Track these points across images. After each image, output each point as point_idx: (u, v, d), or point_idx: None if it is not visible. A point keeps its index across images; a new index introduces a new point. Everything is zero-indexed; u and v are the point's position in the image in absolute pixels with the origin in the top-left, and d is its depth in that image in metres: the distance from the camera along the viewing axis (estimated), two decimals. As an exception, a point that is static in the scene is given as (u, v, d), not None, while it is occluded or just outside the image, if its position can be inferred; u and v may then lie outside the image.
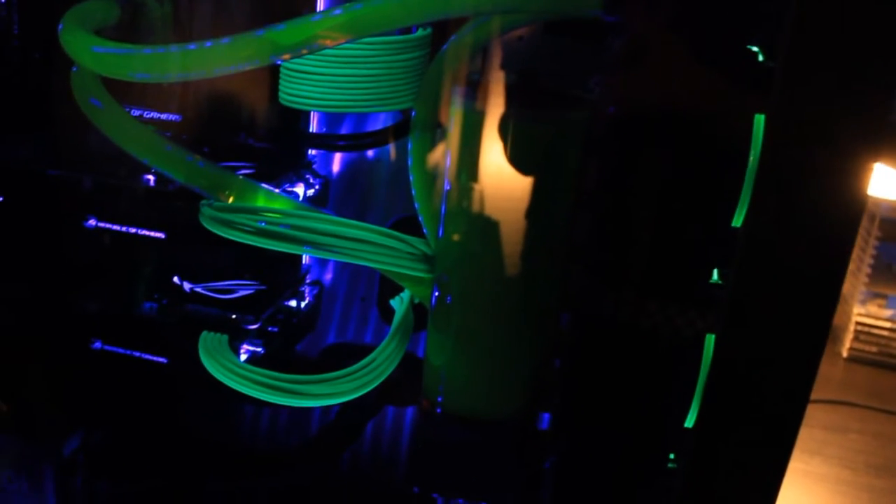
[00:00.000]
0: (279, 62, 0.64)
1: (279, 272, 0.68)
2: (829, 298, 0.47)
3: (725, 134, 0.50)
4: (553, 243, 0.58)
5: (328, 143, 0.71)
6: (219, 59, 0.57)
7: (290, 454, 0.75)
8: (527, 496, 0.62)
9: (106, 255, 0.65)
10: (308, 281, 0.72)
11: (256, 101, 0.69)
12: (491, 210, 0.57)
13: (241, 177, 0.59)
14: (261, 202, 0.58)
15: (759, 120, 0.47)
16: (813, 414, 1.11)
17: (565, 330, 0.59)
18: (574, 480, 0.59)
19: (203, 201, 0.57)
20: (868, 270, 1.21)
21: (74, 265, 0.66)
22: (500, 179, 0.56)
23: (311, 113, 0.71)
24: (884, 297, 1.23)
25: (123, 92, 0.63)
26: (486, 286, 0.59)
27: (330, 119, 0.72)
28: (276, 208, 0.57)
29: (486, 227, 0.57)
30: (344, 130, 0.73)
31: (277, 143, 0.67)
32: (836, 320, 1.28)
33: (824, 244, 0.46)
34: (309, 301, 0.71)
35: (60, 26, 0.57)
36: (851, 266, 1.27)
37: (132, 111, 0.67)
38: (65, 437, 0.67)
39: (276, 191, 0.59)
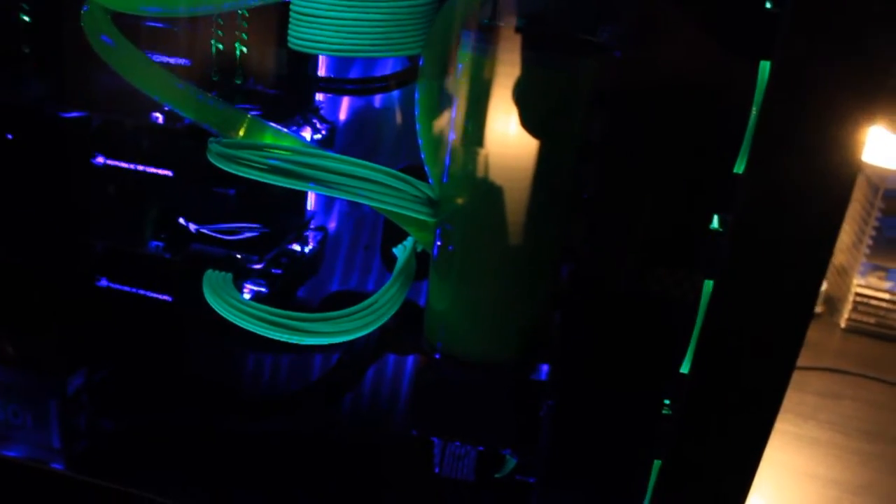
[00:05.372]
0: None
1: (284, 216, 0.69)
2: (825, 245, 0.47)
3: (730, 82, 0.51)
4: (557, 192, 0.59)
5: (336, 87, 0.72)
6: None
7: (291, 398, 0.76)
8: (524, 440, 0.63)
9: (113, 193, 0.65)
10: (312, 226, 0.73)
11: (265, 45, 0.69)
12: (496, 157, 0.57)
13: (250, 115, 0.59)
14: (268, 140, 0.58)
15: (764, 67, 0.48)
16: (808, 380, 1.12)
17: (565, 279, 0.60)
18: (570, 425, 0.60)
19: (211, 138, 0.58)
20: (869, 242, 1.21)
21: (82, 203, 0.67)
22: (507, 127, 0.57)
23: (319, 58, 0.71)
24: (884, 269, 1.24)
25: (132, 37, 0.64)
26: (488, 234, 0.59)
27: (339, 64, 0.73)
28: (284, 145, 0.58)
29: (490, 175, 0.58)
30: (352, 76, 0.74)
31: (285, 88, 0.67)
32: (836, 291, 1.29)
33: (823, 191, 0.47)
34: (313, 246, 0.72)
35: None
36: (852, 238, 1.28)
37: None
38: (69, 374, 0.68)
39: (284, 129, 0.59)
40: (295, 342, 0.59)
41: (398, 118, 0.74)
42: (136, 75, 0.59)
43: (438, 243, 0.61)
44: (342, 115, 0.75)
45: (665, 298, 0.56)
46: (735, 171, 0.50)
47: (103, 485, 0.67)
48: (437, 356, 0.62)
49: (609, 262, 0.57)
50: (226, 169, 0.56)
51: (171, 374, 0.72)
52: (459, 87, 0.58)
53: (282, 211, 0.70)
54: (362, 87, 0.72)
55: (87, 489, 0.67)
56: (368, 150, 0.76)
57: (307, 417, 0.75)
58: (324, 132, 0.68)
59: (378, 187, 0.57)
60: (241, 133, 0.58)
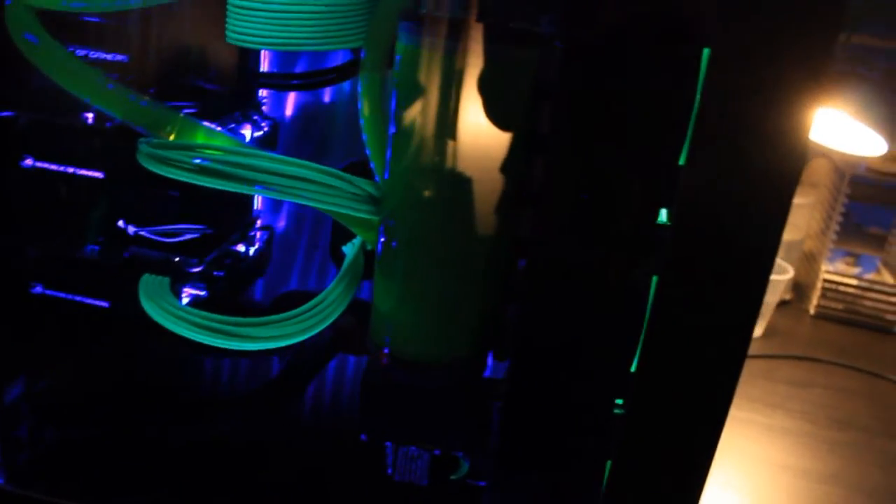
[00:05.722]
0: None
1: (227, 216, 0.67)
2: (771, 235, 0.46)
3: (673, 70, 0.49)
4: (501, 186, 0.57)
5: (277, 82, 0.69)
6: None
7: (239, 402, 0.74)
8: (476, 442, 0.61)
9: (44, 196, 0.63)
10: (258, 226, 0.71)
11: (205, 39, 0.66)
12: (434, 151, 0.55)
13: (182, 114, 0.57)
14: (200, 140, 0.56)
15: (706, 54, 0.46)
16: (778, 369, 1.12)
17: (515, 276, 0.58)
18: (521, 426, 0.58)
19: (141, 139, 0.55)
20: (837, 228, 1.21)
21: (12, 207, 0.65)
22: (445, 120, 0.55)
23: (261, 53, 0.69)
24: (852, 255, 1.23)
25: (69, 32, 0.61)
26: (430, 230, 0.57)
27: (282, 58, 0.70)
28: (216, 145, 0.55)
29: (429, 169, 0.56)
30: (300, 70, 0.72)
31: (224, 83, 0.65)
32: (805, 278, 1.28)
33: (767, 183, 0.45)
34: (259, 246, 0.70)
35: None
36: (820, 224, 1.27)
37: (77, 52, 0.65)
38: (6, 384, 0.66)
39: (218, 129, 0.57)
40: (234, 348, 0.57)
41: (346, 112, 0.72)
42: (62, 74, 0.57)
43: (382, 240, 0.59)
44: (289, 111, 0.72)
45: (614, 294, 0.55)
46: (680, 163, 0.49)
47: (46, 500, 0.65)
48: (385, 359, 0.61)
49: (557, 257, 0.55)
50: (155, 171, 0.54)
51: (115, 382, 0.70)
52: (397, 79, 0.56)
53: (227, 211, 0.68)
54: (305, 82, 0.69)
55: (29, 504, 0.65)
56: (318, 146, 0.74)
57: (257, 421, 0.73)
58: (266, 129, 0.66)
59: (315, 186, 0.55)
60: (173, 133, 0.56)
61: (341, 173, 0.57)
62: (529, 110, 0.55)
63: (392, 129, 0.57)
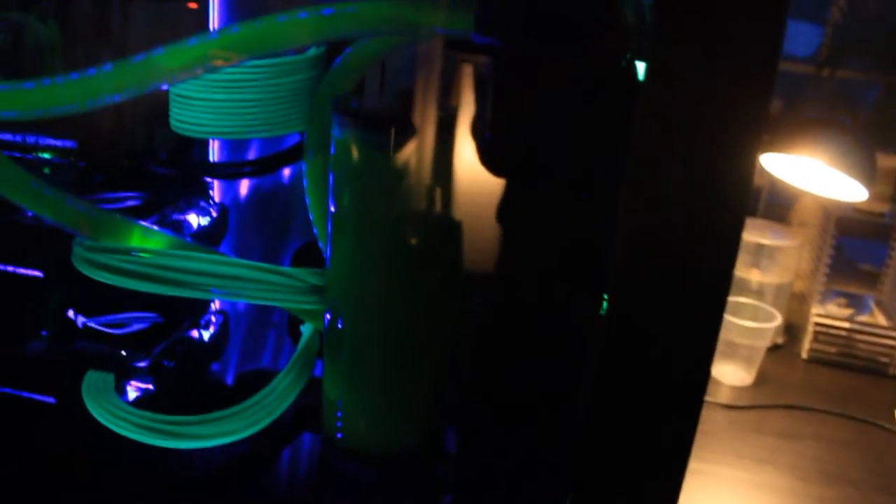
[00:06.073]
0: (166, 88, 0.62)
1: (179, 303, 0.66)
2: (725, 254, 0.42)
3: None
4: (439, 265, 0.56)
5: (221, 170, 0.69)
6: (100, 89, 0.54)
7: (195, 484, 0.72)
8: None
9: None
10: (213, 309, 0.70)
11: (152, 127, 0.66)
12: (368, 237, 0.54)
13: (114, 214, 0.56)
14: (135, 240, 0.55)
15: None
16: (768, 419, 1.09)
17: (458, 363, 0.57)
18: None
19: (75, 240, 0.55)
20: (826, 269, 1.18)
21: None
22: (370, 205, 0.54)
23: (209, 139, 0.68)
24: (844, 295, 1.21)
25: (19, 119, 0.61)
26: (371, 316, 0.56)
27: (233, 144, 0.70)
28: (150, 247, 0.55)
29: (369, 250, 0.55)
30: (250, 155, 0.71)
31: (170, 170, 0.65)
32: (796, 320, 1.26)
33: (715, 193, 0.42)
34: (214, 331, 0.69)
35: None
36: (809, 266, 1.25)
37: (27, 138, 0.65)
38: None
39: (154, 227, 0.57)
40: (175, 447, 0.56)
41: (297, 193, 0.71)
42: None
43: (327, 323, 0.58)
44: (243, 192, 0.72)
45: (568, 320, 0.52)
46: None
47: None
48: (335, 444, 0.59)
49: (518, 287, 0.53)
50: (89, 275, 0.53)
51: (64, 473, 0.68)
52: (332, 163, 0.56)
53: (178, 298, 0.67)
54: (250, 170, 0.69)
55: None
56: (275, 227, 0.73)
57: (219, 499, 0.72)
58: (214, 214, 0.65)
59: (253, 284, 0.55)
60: (107, 234, 0.55)
61: (280, 268, 0.56)
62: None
63: (332, 209, 0.56)
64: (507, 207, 0.53)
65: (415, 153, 0.51)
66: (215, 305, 0.71)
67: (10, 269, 0.61)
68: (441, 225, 0.54)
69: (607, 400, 0.47)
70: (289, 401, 0.61)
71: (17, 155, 0.65)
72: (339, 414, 0.59)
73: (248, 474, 0.70)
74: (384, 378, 0.58)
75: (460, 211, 0.54)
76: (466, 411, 0.56)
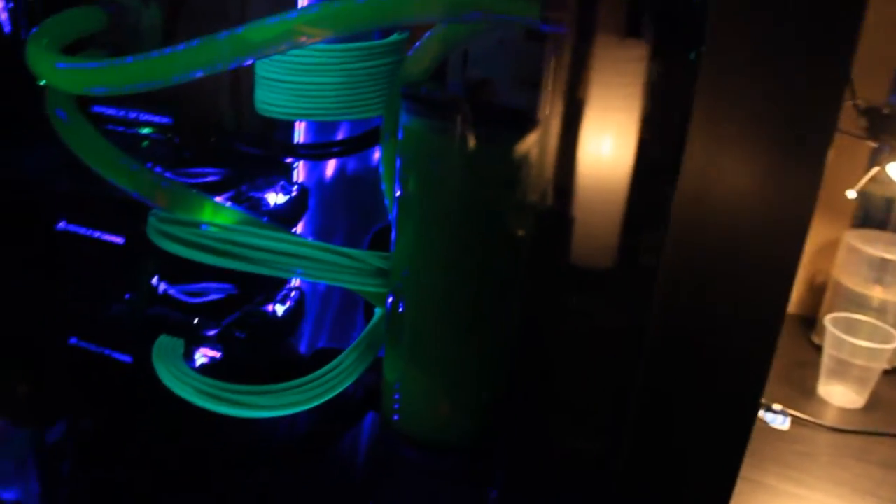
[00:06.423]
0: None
1: (256, 278, 0.68)
2: (783, 274, 0.40)
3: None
4: (499, 261, 0.55)
5: (303, 151, 0.70)
6: (186, 65, 0.56)
7: (266, 453, 0.74)
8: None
9: (77, 256, 0.67)
10: (290, 286, 0.72)
11: (240, 107, 0.68)
12: (429, 223, 0.54)
13: (187, 188, 0.59)
14: (207, 214, 0.57)
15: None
16: (875, 447, 1.01)
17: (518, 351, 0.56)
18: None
19: (151, 211, 0.58)
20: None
21: (51, 266, 0.69)
22: (432, 192, 0.54)
23: (293, 121, 0.70)
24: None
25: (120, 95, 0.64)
26: (431, 301, 0.56)
27: (319, 126, 0.71)
28: (219, 222, 0.57)
29: (426, 240, 0.55)
30: (337, 137, 0.72)
31: (254, 149, 0.67)
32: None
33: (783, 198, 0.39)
34: (289, 306, 0.71)
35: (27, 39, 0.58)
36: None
37: (129, 114, 0.69)
38: (48, 424, 0.70)
39: (226, 203, 0.58)
40: (235, 416, 0.58)
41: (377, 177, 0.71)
42: (82, 147, 0.59)
43: (390, 306, 0.58)
44: (329, 174, 0.73)
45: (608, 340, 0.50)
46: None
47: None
48: (393, 430, 0.60)
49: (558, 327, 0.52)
50: (161, 246, 0.55)
51: (153, 426, 0.72)
52: (400, 148, 0.56)
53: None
54: (322, 152, 0.70)
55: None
56: (360, 210, 0.74)
57: (284, 471, 0.74)
58: (293, 194, 0.67)
59: (317, 264, 0.56)
60: (182, 207, 0.58)
61: (346, 250, 0.57)
62: (516, 183, 0.53)
63: (397, 194, 0.56)
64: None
65: (481, 143, 0.51)
66: (295, 282, 0.73)
67: (98, 234, 0.65)
68: (505, 214, 0.53)
69: (653, 409, 0.46)
70: (351, 379, 0.62)
71: (120, 129, 0.69)
72: (396, 396, 0.60)
73: (310, 449, 0.72)
74: (441, 363, 0.58)
75: (526, 200, 0.52)
76: (522, 405, 0.55)
